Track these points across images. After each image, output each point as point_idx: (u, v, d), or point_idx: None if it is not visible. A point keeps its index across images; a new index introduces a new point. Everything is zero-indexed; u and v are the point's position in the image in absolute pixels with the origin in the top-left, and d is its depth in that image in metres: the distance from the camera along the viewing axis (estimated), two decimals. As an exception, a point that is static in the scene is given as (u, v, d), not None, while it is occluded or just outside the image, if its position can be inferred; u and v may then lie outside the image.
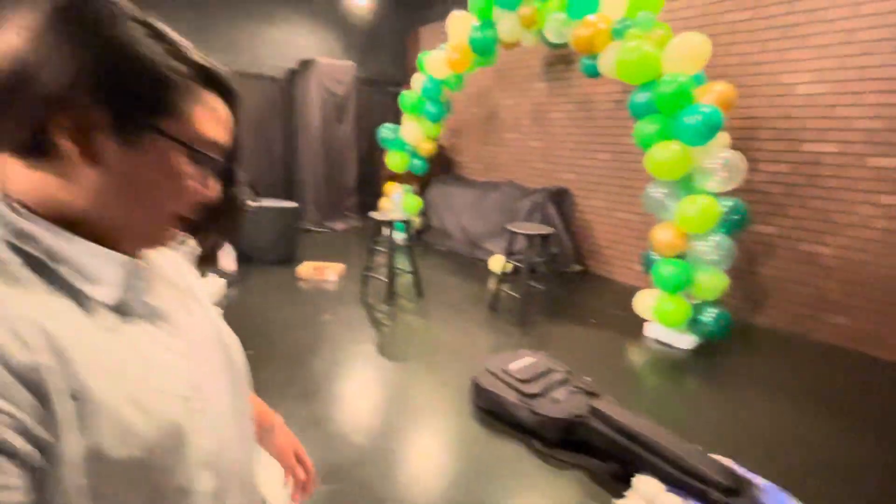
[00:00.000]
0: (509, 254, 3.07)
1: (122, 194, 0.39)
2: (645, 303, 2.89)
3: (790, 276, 2.99)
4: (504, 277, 3.14)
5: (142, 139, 0.39)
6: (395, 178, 5.08)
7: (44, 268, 0.37)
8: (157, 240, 0.45)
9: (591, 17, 2.89)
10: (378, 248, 3.21)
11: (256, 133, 5.09)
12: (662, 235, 2.71)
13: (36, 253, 0.36)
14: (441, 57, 3.98)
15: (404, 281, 3.55)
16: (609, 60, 2.89)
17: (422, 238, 5.06)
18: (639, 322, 2.97)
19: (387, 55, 6.07)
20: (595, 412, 1.74)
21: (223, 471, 0.46)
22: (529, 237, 2.86)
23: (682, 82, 2.46)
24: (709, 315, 2.64)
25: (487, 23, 3.55)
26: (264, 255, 3.91)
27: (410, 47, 5.86)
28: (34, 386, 0.32)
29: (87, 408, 0.34)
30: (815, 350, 2.79)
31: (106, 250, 0.40)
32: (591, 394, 1.94)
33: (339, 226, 5.42)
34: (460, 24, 3.76)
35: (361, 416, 2.02)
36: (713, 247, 2.54)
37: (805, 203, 2.87)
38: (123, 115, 0.37)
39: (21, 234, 0.36)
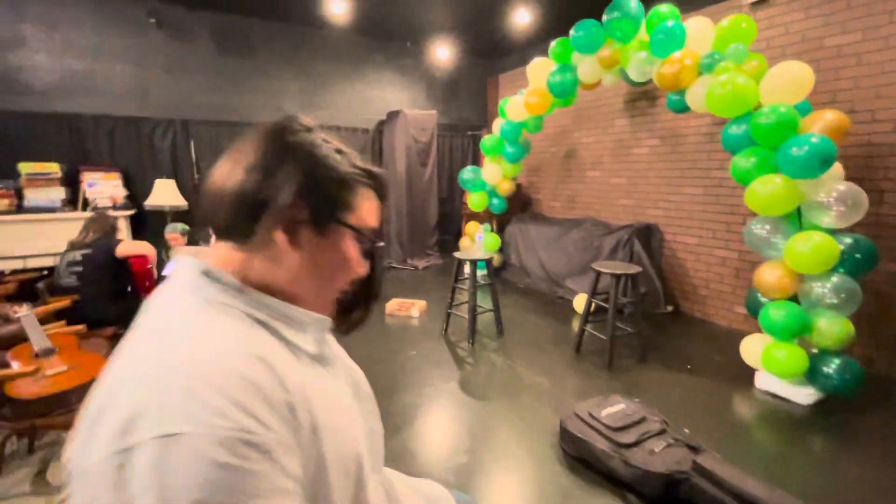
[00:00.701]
0: (594, 293, 2.98)
1: (310, 272, 0.52)
2: (753, 349, 2.63)
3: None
4: (588, 318, 3.05)
5: (329, 229, 0.52)
6: (474, 216, 5.23)
7: (268, 326, 0.49)
8: (327, 308, 0.58)
9: (676, 55, 2.86)
10: (460, 285, 3.30)
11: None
12: (769, 275, 2.48)
13: (262, 315, 0.49)
14: (520, 101, 4.13)
15: (485, 318, 3.58)
16: (698, 95, 2.81)
17: (501, 275, 5.09)
18: (744, 370, 2.69)
19: (467, 102, 6.42)
20: (700, 469, 1.61)
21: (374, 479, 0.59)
22: (616, 276, 2.78)
23: (783, 112, 2.32)
24: (833, 366, 2.33)
25: (566, 67, 3.65)
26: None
27: (489, 93, 6.14)
28: (288, 419, 0.43)
29: (318, 435, 0.46)
30: (981, 414, 2.32)
31: (307, 312, 0.53)
32: (694, 448, 1.79)
33: (422, 263, 5.64)
34: (540, 70, 3.90)
35: (446, 454, 2.04)
36: (833, 289, 2.28)
37: (951, 238, 2.48)
38: (320, 212, 0.51)
39: (254, 301, 0.49)
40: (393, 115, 5.50)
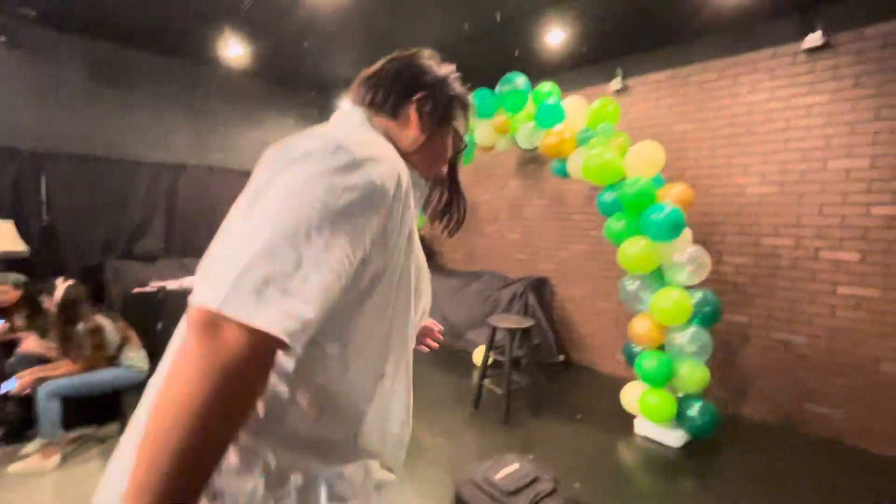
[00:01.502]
0: (491, 348, 3.03)
1: (422, 147, 0.76)
2: (631, 397, 2.83)
3: (769, 364, 3.02)
4: (486, 372, 3.07)
5: (443, 127, 0.78)
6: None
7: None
8: (436, 172, 0.82)
9: (557, 127, 3.20)
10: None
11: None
12: (640, 327, 2.74)
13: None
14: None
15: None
16: (576, 164, 3.15)
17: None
18: (627, 417, 2.88)
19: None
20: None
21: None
22: (510, 331, 2.86)
23: (643, 184, 2.67)
24: (695, 409, 2.59)
25: (464, 129, 3.88)
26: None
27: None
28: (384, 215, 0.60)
29: (409, 255, 0.68)
30: (805, 443, 2.72)
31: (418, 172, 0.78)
32: (582, 505, 1.81)
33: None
34: (440, 130, 4.09)
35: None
36: (690, 339, 2.58)
37: (772, 293, 2.99)
38: (439, 111, 0.77)
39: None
40: (294, 162, 5.33)
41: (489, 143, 3.87)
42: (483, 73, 4.10)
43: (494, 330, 2.99)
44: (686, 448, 2.62)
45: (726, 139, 3.18)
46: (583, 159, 3.01)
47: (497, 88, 3.47)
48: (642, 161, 2.79)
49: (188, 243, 4.52)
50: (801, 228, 2.86)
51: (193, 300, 0.49)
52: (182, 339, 0.49)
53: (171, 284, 3.82)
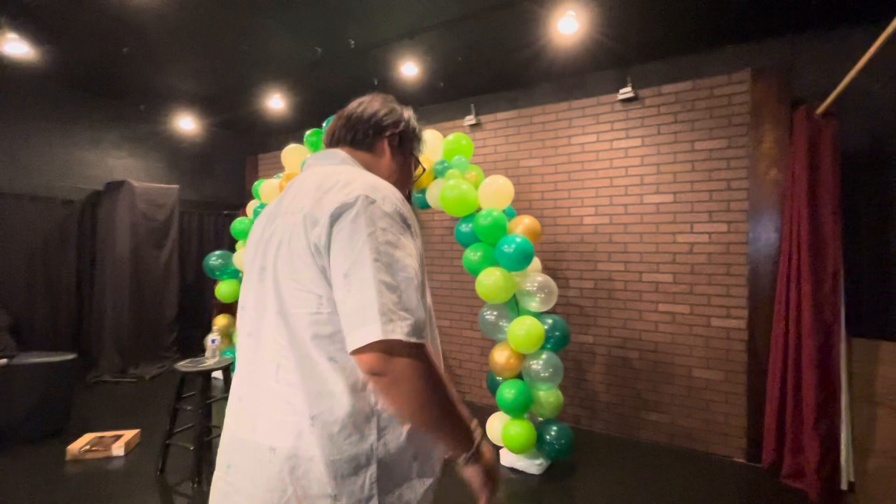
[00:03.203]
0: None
1: (394, 172, 1.00)
2: (495, 428, 2.81)
3: (612, 380, 3.30)
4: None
5: (406, 155, 1.04)
6: (226, 308, 4.49)
7: None
8: (406, 192, 1.04)
9: (415, 158, 3.16)
10: (185, 405, 2.59)
11: (34, 266, 4.08)
12: (499, 356, 2.76)
13: None
14: (276, 185, 3.89)
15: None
16: (434, 195, 3.13)
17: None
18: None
19: (223, 179, 5.81)
20: None
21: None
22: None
23: (496, 216, 2.75)
24: (553, 433, 2.66)
25: (321, 156, 3.64)
26: (18, 430, 2.87)
27: (248, 173, 5.72)
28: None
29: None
30: (645, 449, 2.99)
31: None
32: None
33: (151, 371, 4.42)
34: (294, 156, 3.78)
35: None
36: (544, 365, 2.66)
37: (610, 314, 3.30)
38: (405, 146, 1.03)
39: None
40: (114, 186, 4.45)
41: (348, 172, 3.68)
42: (342, 99, 3.94)
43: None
44: (547, 474, 2.66)
45: (566, 175, 3.50)
46: (440, 190, 3.00)
47: (353, 116, 3.33)
48: (494, 193, 2.87)
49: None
50: (628, 255, 3.23)
51: (364, 340, 0.71)
52: (370, 371, 0.74)
53: None
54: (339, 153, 0.95)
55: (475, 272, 2.86)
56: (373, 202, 0.78)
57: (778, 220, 2.73)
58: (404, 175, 1.04)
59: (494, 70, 3.53)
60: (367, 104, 1.00)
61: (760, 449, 2.72)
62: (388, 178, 0.96)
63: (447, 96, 4.08)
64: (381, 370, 0.72)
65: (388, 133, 0.99)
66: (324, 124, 3.44)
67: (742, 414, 2.85)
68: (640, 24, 2.95)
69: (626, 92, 3.21)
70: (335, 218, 0.77)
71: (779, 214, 2.73)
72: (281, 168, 3.95)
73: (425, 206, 3.42)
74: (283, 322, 0.80)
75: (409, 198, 1.14)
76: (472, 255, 2.87)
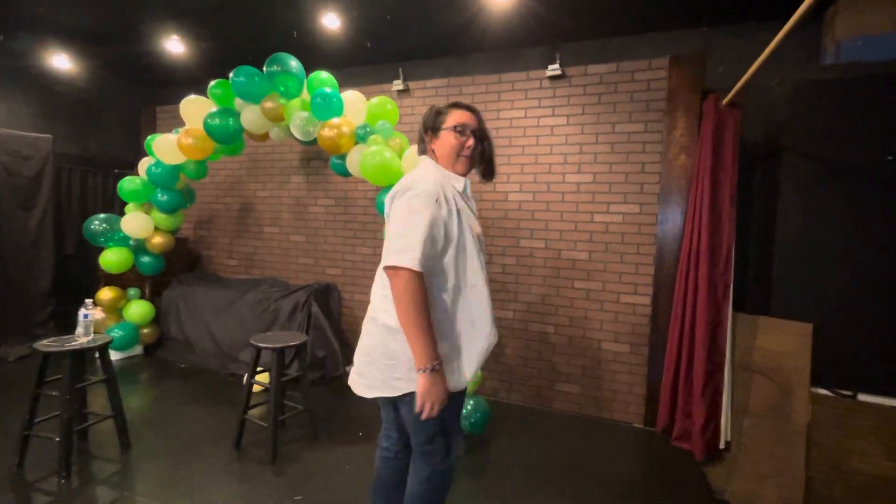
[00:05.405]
0: (255, 373, 2.55)
1: (442, 156, 1.42)
2: (412, 404, 2.75)
3: (529, 354, 3.38)
4: (252, 402, 2.57)
5: (438, 136, 1.42)
6: (114, 279, 3.96)
7: (445, 176, 1.41)
8: (465, 165, 1.43)
9: (335, 120, 2.91)
10: (49, 390, 2.22)
11: None
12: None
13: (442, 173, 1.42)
14: (174, 141, 3.42)
15: (103, 430, 2.55)
16: (355, 161, 2.92)
17: (156, 354, 3.99)
18: (408, 426, 2.79)
19: (115, 133, 5.03)
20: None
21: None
22: (277, 351, 2.44)
23: (419, 187, 2.62)
24: (468, 408, 2.67)
25: (228, 111, 3.24)
26: None
27: (144, 127, 5.01)
28: (447, 201, 1.33)
29: (460, 216, 1.35)
30: (558, 419, 3.12)
31: (451, 173, 1.43)
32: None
33: (16, 352, 3.80)
34: (196, 109, 3.34)
35: None
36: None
37: (530, 290, 3.36)
38: (434, 132, 1.43)
39: (439, 168, 1.42)
40: (-39, 131, 3.66)
41: (260, 131, 3.33)
42: (255, 50, 3.53)
43: (259, 351, 2.52)
44: (467, 448, 2.67)
45: (495, 149, 3.43)
46: (361, 157, 2.80)
47: (265, 69, 2.98)
48: (417, 163, 2.73)
49: None
50: (549, 232, 3.28)
51: (385, 264, 1.25)
52: (384, 283, 1.32)
53: None
54: (420, 161, 1.47)
55: (396, 245, 2.73)
56: (408, 189, 1.28)
57: (684, 204, 2.90)
58: (447, 152, 1.40)
59: (426, 34, 3.33)
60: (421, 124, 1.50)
61: (656, 415, 2.95)
62: (445, 163, 1.41)
63: (375, 58, 3.81)
64: (391, 280, 1.24)
65: (425, 134, 1.45)
66: (232, 75, 3.05)
67: (643, 383, 3.06)
68: (571, 1, 2.92)
69: (555, 69, 3.19)
70: (391, 199, 1.33)
71: (685, 198, 2.90)
72: (181, 123, 3.48)
73: (344, 173, 3.20)
74: None
75: (474, 160, 1.46)
76: (394, 227, 2.74)
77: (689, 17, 2.97)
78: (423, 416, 1.24)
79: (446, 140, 1.40)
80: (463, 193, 1.42)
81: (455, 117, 1.40)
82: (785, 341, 2.72)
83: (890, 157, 2.65)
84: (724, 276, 2.64)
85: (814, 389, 2.64)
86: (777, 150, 2.78)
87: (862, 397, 2.58)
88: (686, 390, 2.75)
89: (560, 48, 3.27)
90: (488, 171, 1.49)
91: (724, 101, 2.62)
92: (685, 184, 2.90)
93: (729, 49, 2.90)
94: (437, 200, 1.27)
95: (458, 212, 1.33)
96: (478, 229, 1.43)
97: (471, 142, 1.40)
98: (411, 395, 1.29)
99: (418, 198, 1.25)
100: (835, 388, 2.65)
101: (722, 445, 2.63)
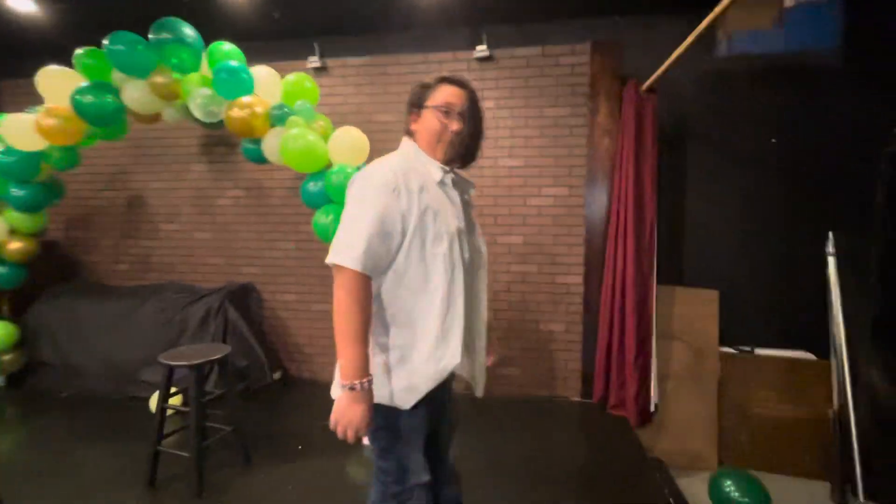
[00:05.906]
0: (167, 395, 2.17)
1: (423, 134, 1.21)
2: (355, 408, 2.57)
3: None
4: (165, 430, 2.20)
5: (422, 111, 1.21)
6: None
7: (419, 162, 1.21)
8: (438, 155, 1.20)
9: (245, 99, 2.55)
10: None
11: None
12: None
13: (415, 158, 1.22)
14: (29, 121, 2.76)
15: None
16: (273, 146, 2.60)
17: (25, 386, 3.29)
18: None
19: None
20: None
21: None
22: (195, 367, 2.09)
23: (350, 173, 2.40)
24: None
25: (104, 86, 2.68)
26: None
27: (-15, 105, 4.03)
28: (408, 194, 1.12)
29: (425, 212, 1.12)
30: (499, 403, 3.14)
31: (430, 159, 1.21)
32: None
33: None
34: (59, 82, 2.72)
35: None
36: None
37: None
38: (416, 109, 1.23)
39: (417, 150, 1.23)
40: None
41: (149, 111, 2.83)
42: (130, 10, 2.96)
43: (171, 370, 2.14)
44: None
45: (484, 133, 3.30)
46: (281, 140, 2.49)
47: (152, 36, 2.51)
48: (348, 147, 2.51)
49: None
50: (484, 217, 3.25)
51: (326, 260, 1.09)
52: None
53: None
54: (404, 141, 1.28)
55: (327, 238, 2.49)
56: (363, 177, 1.14)
57: (609, 185, 3.03)
58: (428, 136, 1.20)
59: (343, 7, 3.05)
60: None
61: (592, 387, 3.10)
62: (426, 147, 1.21)
63: (285, 32, 3.42)
64: (334, 278, 1.09)
65: (409, 112, 1.26)
66: (107, 42, 2.52)
67: (578, 359, 3.19)
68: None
69: (482, 50, 3.12)
70: (349, 187, 1.17)
71: (611, 180, 3.03)
72: (37, 100, 2.81)
73: (259, 159, 2.85)
74: None
75: (455, 146, 1.22)
76: (324, 218, 2.49)
77: (611, 5, 3.05)
78: (338, 436, 1.07)
79: (429, 120, 1.19)
80: (441, 184, 1.19)
81: (442, 94, 1.19)
82: (695, 307, 3.00)
83: (773, 140, 3.02)
84: (648, 252, 2.81)
85: (721, 349, 2.97)
86: (683, 137, 3.02)
87: (759, 351, 2.95)
88: (619, 361, 2.91)
89: (485, 29, 3.21)
90: (466, 158, 1.25)
91: (644, 86, 2.76)
92: (609, 166, 3.03)
93: (648, 37, 3.05)
94: (394, 190, 1.09)
95: (427, 205, 1.11)
96: (459, 225, 1.17)
97: (455, 126, 1.18)
98: (377, 406, 1.12)
99: (371, 187, 1.09)
100: (738, 346, 3.00)
101: (652, 409, 2.84)
